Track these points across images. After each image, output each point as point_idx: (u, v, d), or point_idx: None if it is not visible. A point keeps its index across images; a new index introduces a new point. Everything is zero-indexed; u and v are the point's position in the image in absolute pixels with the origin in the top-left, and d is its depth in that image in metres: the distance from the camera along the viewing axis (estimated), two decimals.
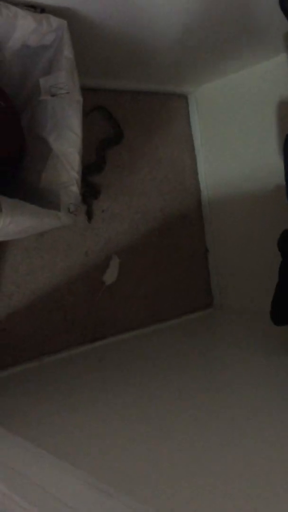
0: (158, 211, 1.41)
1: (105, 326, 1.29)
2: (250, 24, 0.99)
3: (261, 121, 1.27)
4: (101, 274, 1.29)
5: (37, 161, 0.89)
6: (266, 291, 1.03)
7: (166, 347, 1.20)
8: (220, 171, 1.43)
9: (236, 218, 1.41)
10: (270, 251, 1.04)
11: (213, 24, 0.97)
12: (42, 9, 0.81)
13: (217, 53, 1.16)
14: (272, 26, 1.00)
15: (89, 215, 1.26)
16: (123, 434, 0.74)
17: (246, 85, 1.31)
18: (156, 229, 1.41)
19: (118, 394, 0.90)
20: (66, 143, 0.84)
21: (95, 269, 1.28)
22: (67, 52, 0.83)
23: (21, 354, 1.15)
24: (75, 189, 0.85)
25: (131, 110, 1.36)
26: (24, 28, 0.78)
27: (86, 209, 1.25)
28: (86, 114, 1.20)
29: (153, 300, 1.39)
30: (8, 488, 0.61)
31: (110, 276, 1.30)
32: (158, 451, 0.67)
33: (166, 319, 1.41)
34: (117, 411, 0.83)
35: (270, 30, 1.03)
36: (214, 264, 1.50)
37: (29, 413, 0.86)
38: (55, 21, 0.81)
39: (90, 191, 1.24)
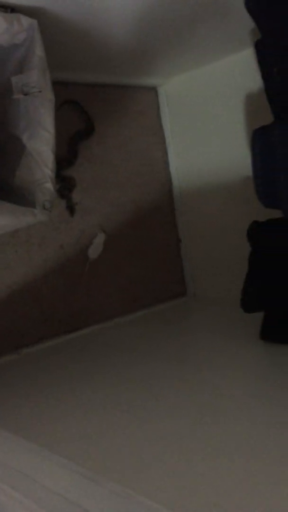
0: (131, 203, 1.44)
1: (82, 317, 1.32)
2: (215, 17, 1.01)
3: (230, 114, 1.30)
4: (73, 266, 1.31)
5: (11, 159, 0.90)
6: (237, 280, 1.07)
7: (141, 336, 1.24)
8: (190, 163, 1.46)
9: (208, 209, 1.44)
10: (241, 241, 1.07)
11: (174, 13, 0.99)
12: (12, 9, 0.82)
13: (182, 45, 1.17)
14: (239, 19, 1.01)
15: (71, 209, 1.28)
16: (104, 422, 0.78)
17: (215, 78, 1.34)
18: (129, 221, 1.43)
19: (97, 384, 0.93)
20: (39, 141, 0.86)
21: (71, 261, 1.30)
22: (39, 51, 0.84)
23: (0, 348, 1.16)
24: (49, 186, 0.87)
25: (101, 104, 1.37)
26: None
27: (66, 204, 1.27)
28: (57, 108, 1.20)
29: (128, 290, 1.42)
30: None
31: (94, 251, 1.33)
32: (141, 438, 0.70)
33: (141, 309, 1.44)
34: (96, 401, 0.86)
35: (237, 23, 1.04)
36: (187, 254, 1.54)
37: (10, 405, 0.89)
38: (25, 20, 0.82)
39: (65, 186, 1.26)
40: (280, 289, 0.95)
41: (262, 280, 0.98)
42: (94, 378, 0.96)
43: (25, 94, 0.84)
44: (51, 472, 0.66)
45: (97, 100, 1.36)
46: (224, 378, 0.88)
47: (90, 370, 1.02)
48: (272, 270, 0.97)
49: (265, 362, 0.94)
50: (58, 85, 1.24)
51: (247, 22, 0.95)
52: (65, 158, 1.26)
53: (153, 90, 1.49)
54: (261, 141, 0.96)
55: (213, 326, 1.21)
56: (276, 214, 1.02)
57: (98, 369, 1.01)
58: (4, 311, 1.18)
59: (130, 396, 0.86)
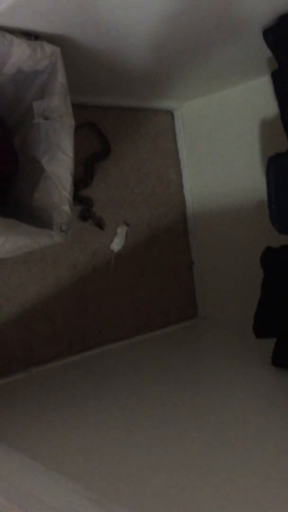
0: (145, 224, 1.45)
1: (93, 337, 1.32)
2: (232, 43, 1.03)
3: (245, 139, 1.31)
4: (86, 285, 1.32)
5: (30, 181, 0.91)
6: (249, 303, 1.07)
7: (152, 358, 1.24)
8: (205, 186, 1.47)
9: (221, 232, 1.45)
10: (254, 264, 1.08)
11: (192, 39, 1.01)
12: (36, 36, 0.84)
13: (198, 70, 1.19)
14: (258, 45, 1.03)
15: (100, 224, 1.33)
16: (112, 444, 0.78)
17: (231, 104, 1.35)
18: (143, 241, 1.45)
19: (105, 405, 0.93)
20: (59, 164, 0.87)
21: (84, 281, 1.31)
22: (60, 77, 0.86)
23: (10, 366, 1.17)
24: (67, 208, 0.88)
25: (119, 126, 1.39)
26: (19, 54, 0.81)
27: (93, 222, 1.32)
28: (75, 130, 1.24)
29: (139, 310, 1.43)
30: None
31: (118, 244, 1.36)
32: (148, 461, 0.70)
33: (152, 329, 1.45)
34: (105, 422, 0.86)
35: (254, 49, 1.06)
36: (199, 276, 1.54)
37: (19, 424, 0.89)
38: (49, 47, 0.84)
39: (86, 207, 1.30)
40: None
41: (274, 306, 0.98)
42: (103, 400, 0.96)
43: (46, 119, 0.86)
44: (57, 492, 0.66)
45: (114, 123, 1.38)
46: (234, 405, 0.87)
47: (100, 391, 1.02)
48: (284, 296, 0.97)
49: (276, 389, 0.93)
50: (77, 108, 1.26)
51: (265, 50, 0.98)
52: (82, 179, 1.28)
53: (170, 113, 1.51)
54: (275, 168, 0.97)
55: (223, 350, 1.21)
56: None
57: (107, 390, 1.01)
58: (16, 329, 1.18)
59: (139, 419, 0.86)
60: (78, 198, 1.27)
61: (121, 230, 1.37)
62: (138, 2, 0.78)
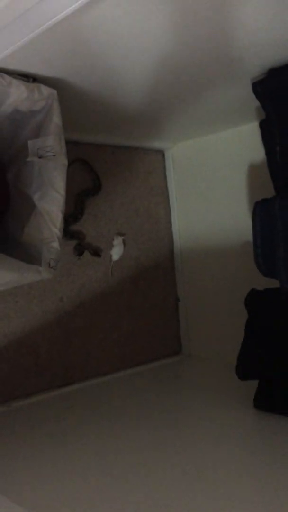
0: (133, 259, 1.47)
1: (76, 371, 1.31)
2: (223, 95, 1.07)
3: (233, 181, 1.35)
4: (72, 319, 1.32)
5: (21, 216, 0.93)
6: (233, 342, 1.08)
7: (134, 395, 1.23)
8: (192, 224, 1.50)
9: (207, 270, 1.47)
10: (239, 304, 1.09)
11: (185, 97, 1.06)
12: (34, 79, 0.87)
13: (191, 114, 1.23)
14: (248, 92, 1.07)
15: (96, 252, 1.37)
16: (90, 487, 0.77)
17: (221, 147, 1.40)
18: (130, 277, 1.46)
19: (82, 445, 0.92)
20: (50, 202, 0.89)
21: (69, 315, 1.31)
22: (56, 118, 0.88)
23: None
24: (56, 245, 0.89)
25: (110, 163, 1.42)
26: (17, 95, 0.84)
27: (91, 252, 1.36)
28: (68, 164, 1.26)
29: (124, 345, 1.43)
30: None
31: (116, 253, 1.40)
32: (127, 506, 0.70)
33: (135, 365, 1.44)
34: (84, 463, 0.85)
35: (244, 96, 1.10)
36: (184, 312, 1.55)
37: None
38: (46, 90, 0.87)
39: (79, 242, 1.33)
40: (275, 359, 0.96)
41: (257, 348, 0.99)
42: (83, 438, 0.95)
43: (40, 157, 0.88)
44: None
45: (106, 160, 1.41)
46: (214, 448, 0.87)
47: (80, 428, 1.01)
48: (268, 339, 0.98)
49: (257, 433, 0.94)
50: (70, 144, 1.29)
51: (255, 99, 1.02)
52: (72, 214, 1.30)
53: (161, 153, 1.55)
54: (262, 213, 0.99)
55: (206, 390, 1.21)
56: (275, 282, 1.05)
57: (87, 428, 1.01)
58: None
59: (119, 460, 0.85)
60: (69, 233, 1.29)
61: (117, 241, 1.41)
62: (135, 52, 0.81)
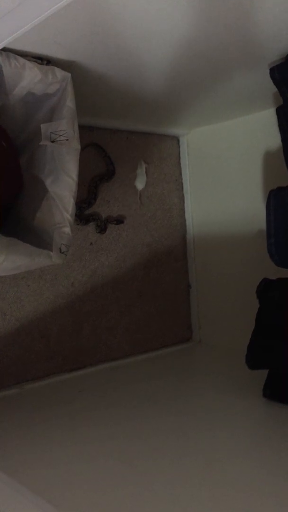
0: (145, 246, 1.46)
1: (87, 356, 1.32)
2: (240, 80, 1.05)
3: (248, 169, 1.33)
4: (83, 304, 1.32)
5: (33, 201, 0.93)
6: (243, 331, 1.07)
7: (143, 380, 1.23)
8: (206, 211, 1.49)
9: (219, 258, 1.46)
10: (250, 292, 1.08)
11: (201, 82, 1.04)
12: (48, 61, 0.86)
13: (207, 101, 1.22)
14: (264, 83, 1.05)
15: (121, 219, 1.40)
16: (97, 471, 0.77)
17: (236, 134, 1.38)
18: (141, 263, 1.46)
19: (90, 430, 0.93)
20: (62, 186, 0.89)
21: (80, 300, 1.31)
22: (69, 102, 0.88)
23: (2, 380, 1.17)
24: (67, 230, 0.89)
25: (124, 148, 1.41)
26: (31, 78, 0.83)
27: (115, 222, 1.38)
28: (81, 150, 1.26)
29: (135, 331, 1.43)
30: None
31: (140, 182, 1.42)
32: (136, 491, 0.70)
33: (146, 351, 1.45)
34: (92, 447, 0.86)
35: (261, 85, 1.08)
36: (196, 300, 1.55)
37: (6, 443, 0.89)
38: (60, 73, 0.86)
39: (98, 220, 1.35)
40: (285, 349, 0.95)
41: (267, 338, 0.98)
42: (92, 423, 0.96)
43: (53, 141, 0.87)
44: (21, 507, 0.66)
45: (120, 145, 1.40)
46: (222, 436, 0.87)
47: (89, 413, 1.02)
48: (278, 329, 0.97)
49: (266, 423, 0.93)
50: (84, 129, 1.30)
51: (272, 85, 0.99)
52: (85, 200, 1.30)
53: (175, 139, 1.54)
54: (276, 202, 0.98)
55: (216, 377, 1.21)
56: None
57: (97, 412, 1.01)
58: (10, 344, 1.19)
59: (125, 446, 0.86)
60: (84, 218, 1.30)
61: (140, 169, 1.42)
62: (155, 35, 0.80)
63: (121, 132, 1.40)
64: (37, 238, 0.91)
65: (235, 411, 0.98)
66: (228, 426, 0.90)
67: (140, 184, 1.43)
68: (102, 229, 1.34)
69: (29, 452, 0.85)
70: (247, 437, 0.86)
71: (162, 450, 0.83)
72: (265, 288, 1.01)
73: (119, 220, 1.38)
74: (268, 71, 0.94)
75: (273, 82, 0.93)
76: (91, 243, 1.34)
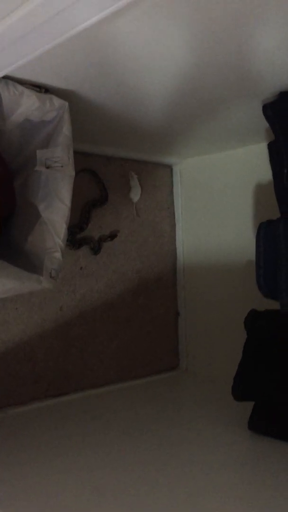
0: (135, 272, 1.47)
1: (73, 381, 1.31)
2: (234, 115, 1.08)
3: (239, 200, 1.35)
4: (70, 328, 1.32)
5: (25, 224, 0.93)
6: (230, 361, 1.07)
7: (129, 409, 1.22)
8: (196, 240, 1.50)
9: (208, 287, 1.47)
10: (238, 322, 1.09)
11: (197, 115, 1.06)
12: (46, 90, 0.88)
13: (202, 132, 1.24)
14: (257, 118, 1.08)
15: (115, 234, 1.41)
16: (73, 503, 0.76)
17: (228, 165, 1.40)
18: (131, 289, 1.46)
19: (74, 458, 0.91)
20: (55, 212, 0.89)
21: (68, 324, 1.31)
22: (66, 130, 0.89)
23: None
24: (58, 255, 0.89)
25: (118, 175, 1.43)
26: (28, 105, 0.85)
27: (109, 239, 1.40)
28: (75, 174, 1.27)
29: (122, 358, 1.42)
30: None
31: (135, 193, 1.44)
32: None
33: (132, 378, 1.44)
34: (69, 479, 0.84)
35: (254, 120, 1.11)
36: (184, 328, 1.55)
37: None
38: (57, 101, 0.88)
39: (92, 243, 1.36)
40: (271, 382, 0.95)
41: (254, 370, 0.98)
42: (74, 451, 0.95)
43: (48, 167, 0.88)
44: None
45: (114, 171, 1.42)
46: (207, 469, 0.86)
47: (72, 441, 1.00)
48: (265, 362, 0.97)
49: (251, 456, 0.93)
50: (79, 154, 1.31)
51: (264, 120, 1.02)
52: (77, 224, 1.31)
53: (169, 168, 1.56)
54: (266, 234, 0.99)
55: (202, 408, 1.20)
56: (276, 304, 1.05)
57: (80, 440, 1.00)
58: None
59: (106, 476, 0.84)
60: (77, 242, 1.31)
61: (133, 181, 1.44)
62: (151, 70, 0.82)
63: (115, 159, 1.42)
64: (28, 262, 0.91)
65: (220, 444, 0.97)
66: (211, 460, 0.90)
67: (135, 196, 1.45)
68: (96, 250, 1.35)
69: (8, 479, 0.83)
70: (230, 472, 0.86)
71: (143, 482, 0.82)
72: (253, 319, 1.02)
73: (113, 235, 1.40)
74: (261, 107, 0.96)
75: (265, 118, 0.96)
76: (81, 268, 1.34)
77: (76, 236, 1.31)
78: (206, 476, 0.84)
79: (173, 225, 1.56)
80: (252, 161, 1.31)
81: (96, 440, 1.00)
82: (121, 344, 1.42)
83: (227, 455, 0.91)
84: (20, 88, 0.83)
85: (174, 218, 1.56)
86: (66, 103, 0.89)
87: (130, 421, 1.11)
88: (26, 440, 1.01)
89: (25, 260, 0.91)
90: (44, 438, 1.02)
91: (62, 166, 0.88)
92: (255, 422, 0.98)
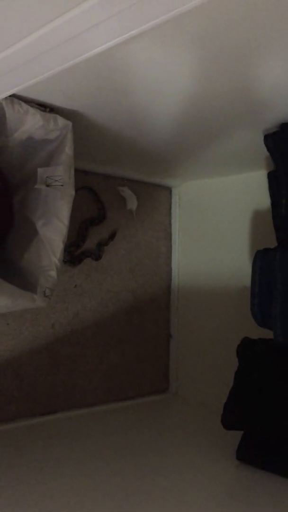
0: (129, 292, 1.46)
1: (59, 400, 1.29)
2: (236, 142, 1.09)
3: (237, 225, 1.35)
4: (61, 346, 1.30)
5: (22, 241, 0.93)
6: (221, 387, 1.06)
7: (116, 432, 1.20)
8: (192, 263, 1.50)
9: (202, 310, 1.46)
10: (231, 349, 1.08)
11: (199, 140, 1.07)
12: (51, 109, 0.88)
13: (203, 157, 1.25)
14: (258, 146, 1.09)
15: (112, 237, 1.42)
16: None
17: (228, 190, 1.41)
18: (124, 309, 1.45)
19: (57, 481, 0.90)
20: (53, 230, 0.89)
21: (59, 342, 1.30)
22: (68, 149, 0.89)
23: None
24: (53, 274, 0.89)
25: (117, 194, 1.43)
26: (32, 123, 0.85)
27: (109, 240, 1.40)
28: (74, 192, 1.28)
29: (111, 378, 1.41)
30: None
31: (132, 202, 1.45)
32: None
33: (121, 399, 1.42)
34: (47, 501, 0.83)
35: (255, 148, 1.12)
36: (175, 350, 1.54)
37: None
38: (61, 121, 0.88)
39: (93, 255, 1.37)
40: (261, 412, 0.94)
41: (245, 399, 0.97)
42: (58, 472, 0.93)
43: (48, 185, 0.88)
44: None
45: (113, 191, 1.42)
46: (192, 499, 0.85)
47: (56, 463, 0.98)
48: (256, 391, 0.96)
49: (237, 487, 0.91)
50: (78, 172, 1.31)
51: (265, 149, 1.03)
52: (74, 242, 1.30)
53: (168, 189, 1.57)
54: (262, 263, 0.99)
55: (190, 435, 1.18)
56: (269, 332, 1.04)
57: (63, 463, 0.98)
58: None
59: (89, 502, 0.83)
60: (76, 259, 1.32)
61: (125, 193, 1.43)
62: (156, 96, 0.83)
63: (115, 179, 1.42)
64: (22, 279, 0.90)
65: (206, 473, 0.95)
66: (197, 490, 0.88)
67: (132, 205, 1.45)
68: (97, 256, 1.37)
69: None
70: (217, 502, 0.84)
71: (124, 509, 0.80)
72: (246, 348, 1.01)
73: (113, 235, 1.40)
74: (263, 137, 0.97)
75: (266, 148, 0.96)
76: (75, 286, 1.33)
77: (74, 254, 1.31)
78: (191, 506, 0.82)
79: (169, 247, 1.56)
80: (251, 187, 1.32)
81: (80, 464, 0.98)
82: (111, 364, 1.41)
83: (212, 485, 0.90)
84: (25, 106, 0.84)
85: (171, 239, 1.57)
86: (70, 123, 0.90)
87: (116, 445, 1.09)
88: (8, 460, 0.99)
89: (19, 277, 0.91)
90: (26, 457, 1.00)
91: (62, 185, 0.88)
92: (243, 451, 0.96)
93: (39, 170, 0.89)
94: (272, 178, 1.01)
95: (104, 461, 1.00)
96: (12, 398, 1.20)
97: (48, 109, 0.88)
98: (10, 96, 0.81)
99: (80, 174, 1.33)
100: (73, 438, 1.14)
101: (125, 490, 0.87)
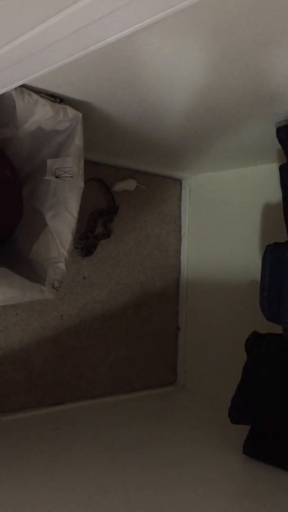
0: (138, 284, 1.46)
1: (68, 391, 1.30)
2: (248, 134, 1.07)
3: (247, 218, 1.34)
4: (69, 337, 1.31)
5: (31, 233, 0.93)
6: (228, 380, 1.06)
7: (123, 424, 1.20)
8: (201, 255, 1.49)
9: (211, 303, 1.46)
10: (239, 342, 1.07)
11: (211, 132, 1.06)
12: (61, 100, 0.88)
13: (215, 150, 1.24)
14: (270, 139, 1.07)
15: (115, 210, 1.39)
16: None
17: (238, 183, 1.39)
18: (133, 301, 1.45)
19: (63, 472, 0.90)
20: (62, 222, 0.89)
21: (67, 333, 1.30)
22: (78, 141, 0.89)
23: None
24: (62, 266, 0.89)
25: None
26: (42, 114, 0.85)
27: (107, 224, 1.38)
28: (84, 182, 1.27)
29: (119, 370, 1.41)
30: None
31: (130, 184, 1.41)
32: None
33: (128, 391, 1.43)
34: (58, 493, 0.83)
35: (267, 141, 1.10)
36: (183, 343, 1.53)
37: None
38: (71, 112, 0.88)
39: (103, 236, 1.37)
40: (269, 407, 0.94)
41: (252, 394, 0.97)
42: (64, 465, 0.94)
43: (57, 177, 0.88)
44: None
45: None
46: (196, 494, 0.85)
47: (63, 454, 0.99)
48: (264, 386, 0.96)
49: (243, 481, 0.91)
50: (89, 164, 1.31)
51: (275, 144, 1.02)
52: (83, 234, 1.30)
53: (178, 181, 1.56)
54: (272, 257, 0.98)
55: (196, 427, 1.18)
56: (278, 326, 1.03)
57: (71, 454, 0.99)
58: None
59: (99, 495, 0.83)
60: (87, 248, 1.32)
61: (120, 185, 1.39)
62: (168, 87, 0.81)
63: (125, 170, 1.41)
64: (31, 271, 0.90)
65: (213, 467, 0.95)
66: (203, 483, 0.88)
67: (131, 186, 1.41)
68: (108, 234, 1.37)
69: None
70: (222, 496, 0.84)
71: (132, 503, 0.80)
72: (254, 342, 1.00)
73: (115, 209, 1.38)
74: (275, 129, 0.96)
75: (278, 141, 0.95)
76: (84, 277, 1.33)
77: (82, 245, 1.30)
78: (196, 499, 0.82)
79: (179, 239, 1.56)
80: (262, 180, 1.31)
81: (87, 454, 0.99)
82: (119, 356, 1.41)
83: (219, 479, 0.90)
84: (35, 97, 0.83)
85: (181, 232, 1.56)
86: (80, 114, 0.89)
87: (123, 437, 1.10)
88: (16, 450, 1.00)
89: (28, 269, 0.91)
90: (35, 448, 1.01)
91: (71, 177, 0.88)
92: (249, 446, 0.96)
93: (49, 161, 0.88)
94: (284, 171, 1.00)
95: (110, 452, 1.00)
96: (20, 388, 1.21)
97: (58, 100, 0.87)
98: (20, 86, 0.80)
99: (91, 165, 1.33)
100: (79, 429, 1.14)
101: (131, 481, 0.87)
